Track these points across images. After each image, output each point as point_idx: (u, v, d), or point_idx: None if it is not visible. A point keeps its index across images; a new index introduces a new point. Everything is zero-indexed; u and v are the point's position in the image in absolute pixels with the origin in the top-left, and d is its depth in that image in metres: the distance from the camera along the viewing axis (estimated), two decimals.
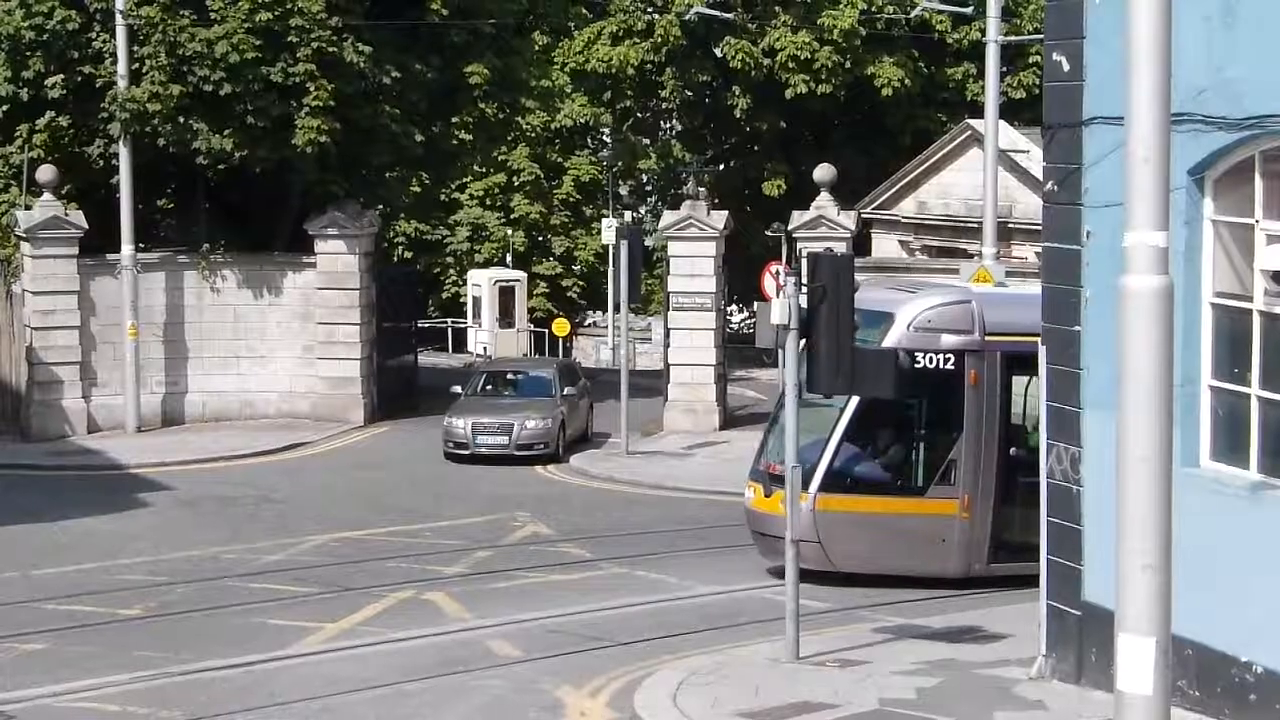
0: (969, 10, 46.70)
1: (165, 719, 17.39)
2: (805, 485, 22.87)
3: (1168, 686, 10.35)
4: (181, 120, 39.47)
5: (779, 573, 22.63)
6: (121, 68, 39.40)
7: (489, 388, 39.25)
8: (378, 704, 18.02)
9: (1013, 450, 24.10)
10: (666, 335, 42.49)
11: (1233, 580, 15.47)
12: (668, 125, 63.50)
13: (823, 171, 41.46)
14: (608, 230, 51.71)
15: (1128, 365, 10.20)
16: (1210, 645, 15.78)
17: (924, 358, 23.91)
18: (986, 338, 24.06)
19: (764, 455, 25.14)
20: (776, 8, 54.57)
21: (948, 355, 24.00)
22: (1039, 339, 21.24)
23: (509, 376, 40.07)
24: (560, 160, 56.10)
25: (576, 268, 64.46)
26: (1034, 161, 39.47)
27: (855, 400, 23.33)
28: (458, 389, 39.58)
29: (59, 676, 19.05)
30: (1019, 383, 24.29)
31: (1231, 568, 15.48)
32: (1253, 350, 15.77)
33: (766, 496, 24.34)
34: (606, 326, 63.69)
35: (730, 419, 41.78)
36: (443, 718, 17.44)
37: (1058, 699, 17.25)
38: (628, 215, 60.12)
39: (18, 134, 40.62)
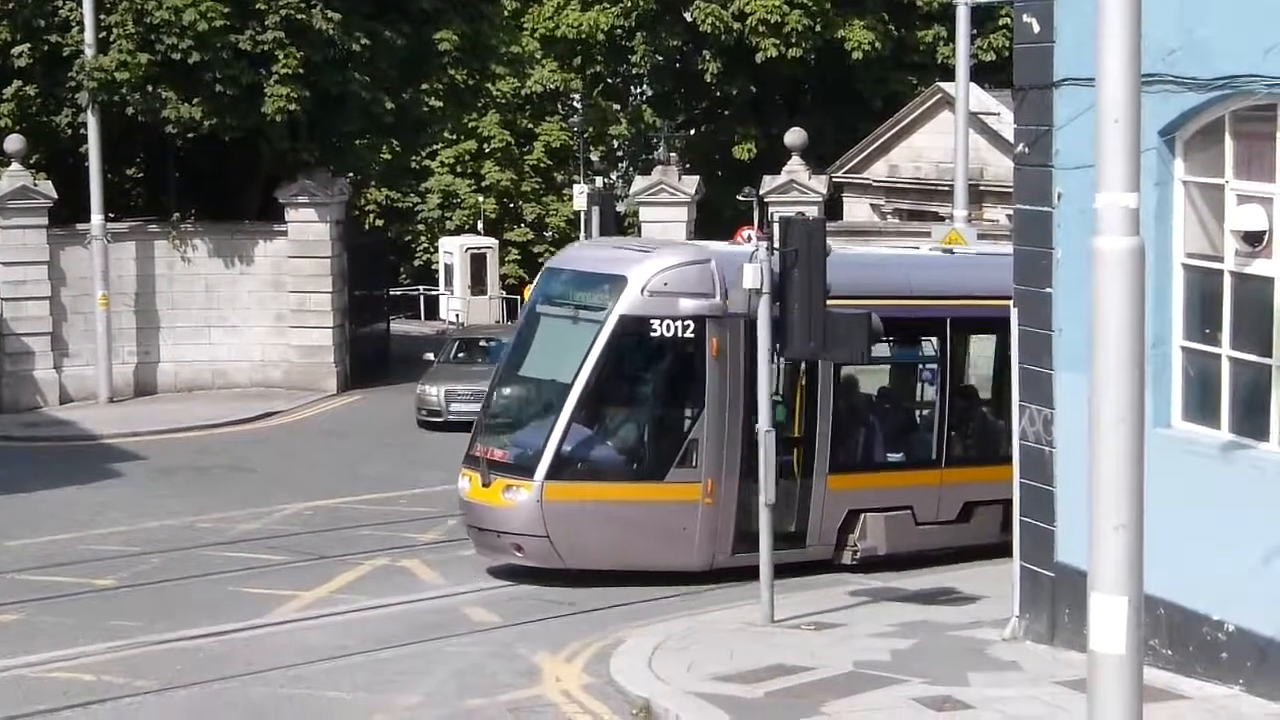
0: None
1: (141, 688, 17.38)
2: (529, 473, 21.64)
3: (1140, 646, 10.39)
4: (150, 89, 39.29)
5: (500, 572, 22.47)
6: (89, 36, 39.21)
7: (462, 355, 39.21)
8: (354, 672, 18.03)
9: (757, 427, 21.14)
10: None
11: (1205, 540, 15.53)
12: (638, 90, 63.37)
13: (794, 136, 41.43)
14: (579, 196, 51.63)
15: (1100, 326, 10.22)
16: (1182, 604, 15.85)
17: (660, 325, 21.76)
18: (729, 302, 21.68)
19: (480, 438, 22.85)
20: None
21: (687, 322, 21.76)
22: None
23: (482, 344, 40.02)
24: (531, 127, 55.95)
25: (548, 234, 64.38)
26: (1005, 124, 39.49)
27: (585, 376, 21.72)
28: (430, 357, 39.55)
29: (34, 646, 19.03)
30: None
31: (1203, 527, 15.55)
32: (1223, 311, 15.82)
33: (485, 486, 22.09)
34: None
35: None
36: (419, 684, 17.45)
37: (1031, 659, 17.32)
38: (599, 181, 59.97)
39: None
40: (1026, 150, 17.87)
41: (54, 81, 40.26)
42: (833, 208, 46.00)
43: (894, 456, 24.11)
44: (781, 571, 20.54)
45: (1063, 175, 17.15)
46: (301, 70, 39.43)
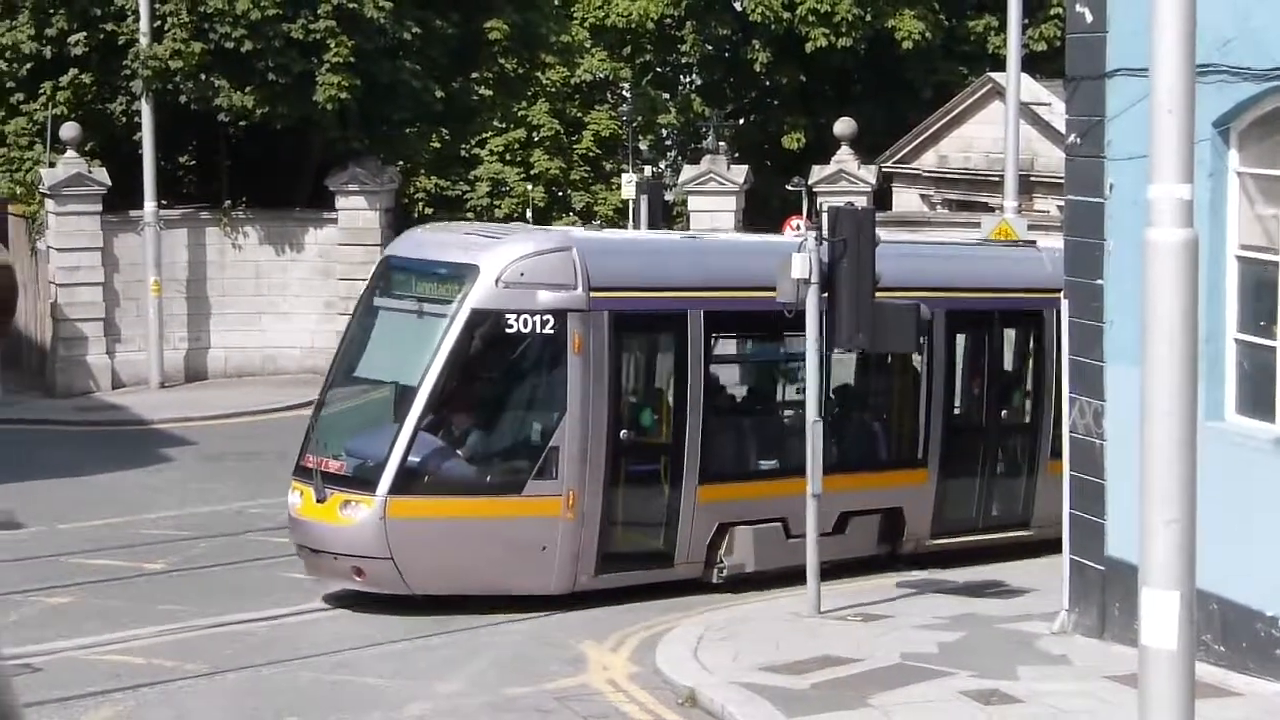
0: None
1: (190, 671, 17.47)
2: (371, 486, 19.45)
3: (1192, 641, 10.34)
4: (203, 77, 39.45)
5: (335, 599, 20.57)
6: (144, 25, 39.40)
7: None
8: (398, 658, 18.08)
9: (623, 434, 20.27)
10: None
11: (1258, 534, 15.45)
12: (687, 80, 63.25)
13: (843, 125, 41.32)
14: (628, 185, 51.56)
15: (1151, 319, 10.16)
16: (1235, 600, 15.77)
17: (517, 320, 19.72)
18: (593, 294, 19.97)
19: (312, 447, 20.58)
20: None
21: (546, 316, 19.75)
22: (659, 292, 20.41)
23: None
24: (580, 115, 55.76)
25: (597, 222, 64.34)
26: (1056, 114, 39.28)
27: (432, 377, 19.58)
28: None
29: (85, 629, 19.15)
30: (635, 349, 21.07)
31: (1256, 521, 15.46)
32: (1278, 303, 15.72)
33: (319, 502, 19.90)
34: None
35: None
36: (462, 671, 17.49)
37: (1081, 653, 17.26)
38: (647, 170, 59.88)
39: (41, 91, 40.62)
40: (1078, 141, 17.79)
41: (109, 70, 40.45)
42: (882, 198, 45.86)
43: (767, 464, 21.99)
44: (645, 593, 20.12)
45: (1115, 166, 17.07)
46: (353, 59, 39.51)
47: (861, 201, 36.59)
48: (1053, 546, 19.59)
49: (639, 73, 59.66)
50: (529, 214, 46.99)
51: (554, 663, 17.85)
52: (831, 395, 22.22)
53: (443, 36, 42.02)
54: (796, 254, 19.03)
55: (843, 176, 40.83)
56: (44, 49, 40.32)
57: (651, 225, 37.76)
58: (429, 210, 44.64)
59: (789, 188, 45.11)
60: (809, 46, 53.74)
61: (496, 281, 19.81)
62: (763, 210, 46.94)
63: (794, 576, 20.17)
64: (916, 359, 22.90)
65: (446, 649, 18.42)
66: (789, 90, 56.92)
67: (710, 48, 58.13)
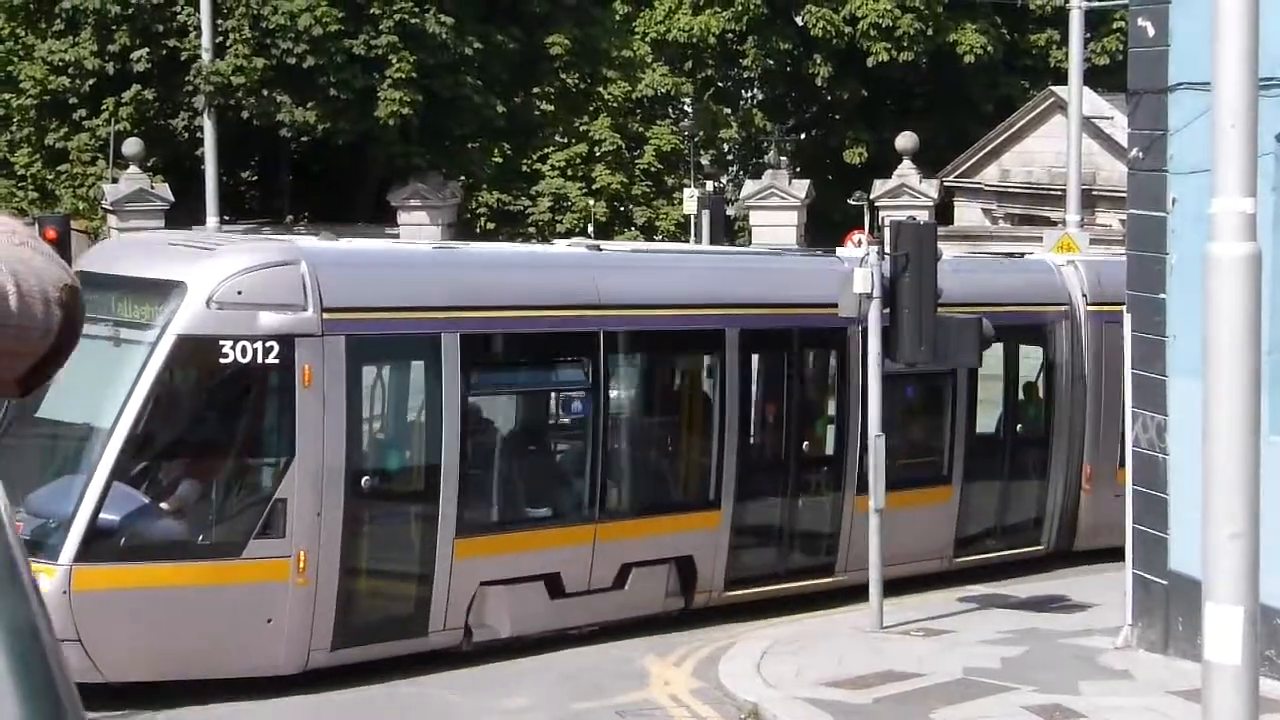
0: None
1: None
2: (52, 553, 15.66)
3: (1256, 656, 10.29)
4: (265, 93, 39.74)
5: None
6: (206, 41, 39.70)
7: None
8: (465, 673, 18.09)
9: (365, 481, 17.16)
10: None
11: None
12: (749, 94, 63.33)
13: (905, 139, 41.29)
14: (689, 200, 51.66)
15: (1214, 333, 10.13)
16: None
17: (233, 348, 16.29)
18: (326, 315, 16.70)
19: None
20: None
21: (269, 343, 16.39)
22: (407, 313, 17.62)
23: None
24: (641, 130, 55.95)
25: (658, 238, 64.46)
26: (1118, 128, 39.16)
27: (129, 418, 16.11)
28: None
29: None
30: (378, 380, 18.21)
31: None
32: None
33: None
34: None
35: None
36: (528, 687, 17.51)
37: (1144, 668, 17.17)
38: (709, 185, 59.99)
39: (104, 107, 41.00)
40: (1141, 155, 17.73)
41: (171, 86, 40.79)
42: (944, 212, 45.80)
43: (537, 511, 19.13)
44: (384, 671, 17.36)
45: (1177, 180, 17.01)
46: (414, 74, 39.74)
47: (923, 216, 36.53)
48: (861, 593, 19.23)
49: (700, 87, 59.74)
50: (590, 229, 47.11)
51: (617, 678, 17.86)
52: (608, 428, 19.29)
53: (504, 51, 42.22)
54: (858, 269, 18.99)
55: (905, 191, 40.82)
56: (106, 65, 40.70)
57: (713, 240, 37.74)
58: (491, 225, 44.85)
59: (851, 202, 45.12)
60: (870, 61, 53.76)
61: (208, 301, 16.40)
62: (825, 225, 46.96)
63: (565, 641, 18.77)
64: (708, 385, 20.57)
65: (513, 664, 18.43)
66: (850, 104, 56.94)
67: (771, 62, 58.17)
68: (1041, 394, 23.95)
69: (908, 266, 18.74)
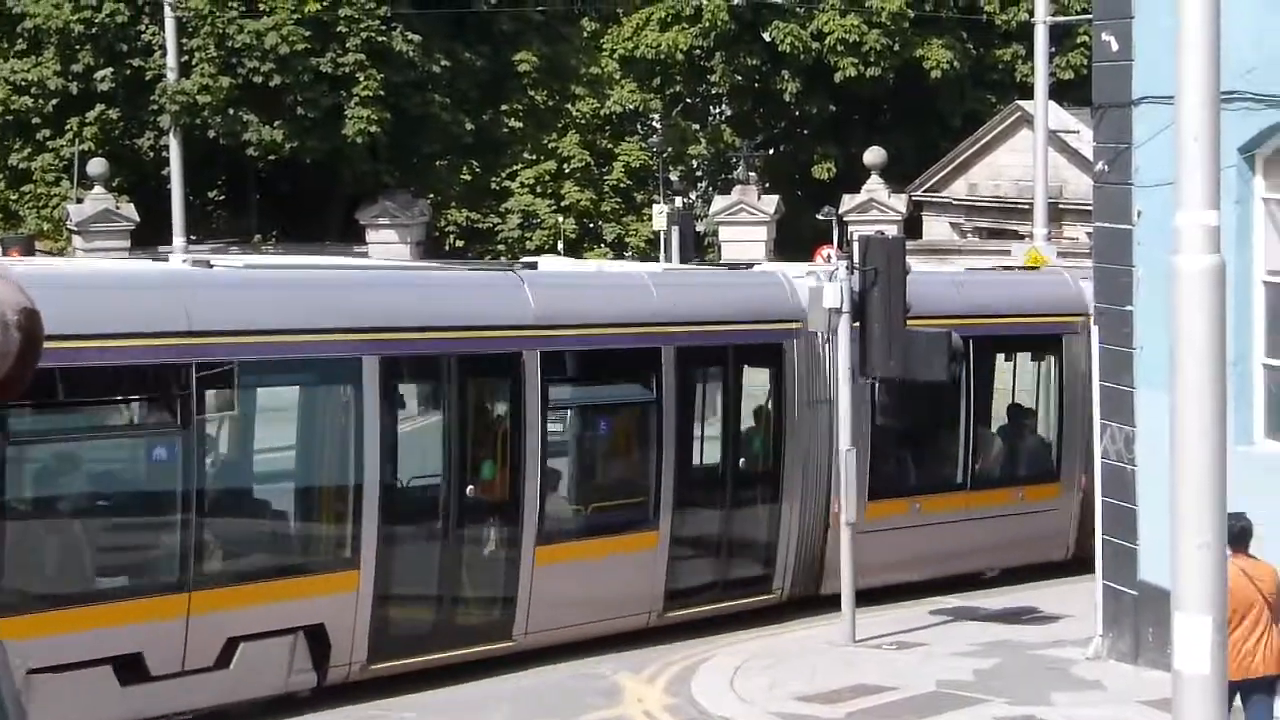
0: None
1: None
2: None
3: (1225, 666, 10.34)
4: (231, 112, 39.68)
5: None
6: (171, 60, 39.64)
7: None
8: (433, 691, 18.05)
9: None
10: None
11: None
12: (717, 110, 63.40)
13: (873, 155, 41.40)
14: (659, 216, 51.73)
15: (1181, 344, 10.19)
16: None
17: None
18: None
19: None
20: None
21: None
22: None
23: None
24: (610, 147, 56.00)
25: (628, 254, 64.42)
26: (1084, 142, 39.29)
27: None
28: None
29: None
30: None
31: None
32: None
33: None
34: None
35: None
36: (505, 705, 17.49)
37: (1115, 679, 17.24)
38: (678, 201, 60.04)
39: (68, 127, 40.91)
40: (1106, 168, 17.83)
41: (136, 105, 40.71)
42: (912, 226, 45.90)
43: (108, 582, 16.04)
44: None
45: (1142, 193, 17.10)
46: (382, 92, 39.73)
47: (892, 230, 36.61)
48: (548, 657, 18.47)
49: (669, 104, 59.82)
50: (560, 246, 47.11)
51: (590, 694, 17.86)
52: (205, 489, 16.28)
53: (472, 69, 42.23)
54: (828, 283, 19.06)
55: (873, 205, 40.92)
56: (70, 85, 40.60)
57: (683, 256, 37.79)
58: (460, 243, 44.82)
59: (820, 217, 45.19)
60: (838, 76, 53.87)
61: None
62: (794, 240, 47.03)
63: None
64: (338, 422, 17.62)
65: (485, 682, 18.40)
66: (819, 120, 57.05)
67: (740, 78, 58.27)
68: (771, 421, 20.84)
69: (876, 280, 18.80)
